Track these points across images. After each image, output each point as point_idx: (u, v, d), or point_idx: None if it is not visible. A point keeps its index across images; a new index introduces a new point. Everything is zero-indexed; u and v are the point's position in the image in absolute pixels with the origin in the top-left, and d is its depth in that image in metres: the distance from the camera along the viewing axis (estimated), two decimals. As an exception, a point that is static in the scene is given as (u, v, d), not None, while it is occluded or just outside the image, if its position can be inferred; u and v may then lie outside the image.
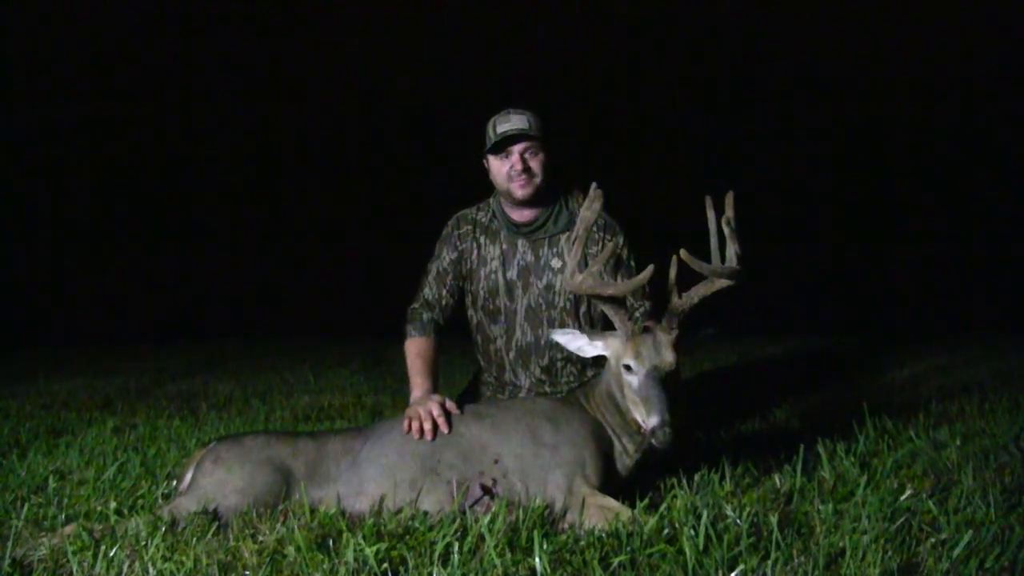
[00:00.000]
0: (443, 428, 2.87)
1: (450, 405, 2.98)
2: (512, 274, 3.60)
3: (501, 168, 3.54)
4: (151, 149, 15.58)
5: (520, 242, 3.61)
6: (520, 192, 3.50)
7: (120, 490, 3.10)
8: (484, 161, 3.66)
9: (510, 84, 13.78)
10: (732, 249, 2.72)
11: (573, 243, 2.84)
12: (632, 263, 3.54)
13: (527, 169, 3.49)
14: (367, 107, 15.70)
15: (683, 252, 2.62)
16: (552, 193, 3.60)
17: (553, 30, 14.77)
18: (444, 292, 3.67)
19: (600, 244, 3.53)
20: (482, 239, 3.66)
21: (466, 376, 4.29)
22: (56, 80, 14.47)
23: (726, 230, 2.71)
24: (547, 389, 3.61)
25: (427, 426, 2.87)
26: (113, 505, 2.79)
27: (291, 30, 15.09)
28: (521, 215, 3.61)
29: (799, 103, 14.70)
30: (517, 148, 3.51)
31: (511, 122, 3.51)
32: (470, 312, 3.74)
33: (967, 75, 13.91)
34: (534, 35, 14.65)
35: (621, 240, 3.58)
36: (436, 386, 3.35)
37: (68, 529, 2.47)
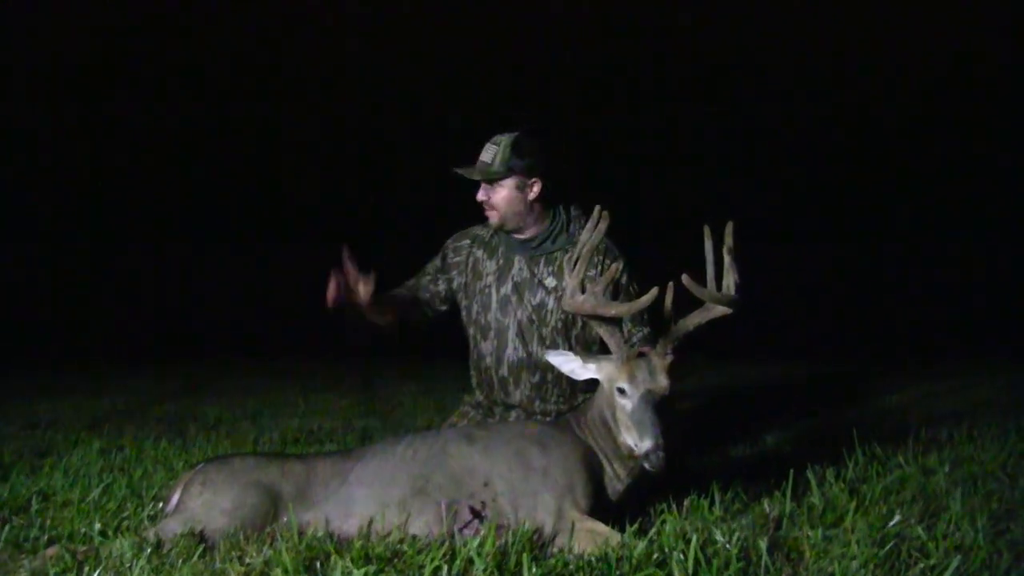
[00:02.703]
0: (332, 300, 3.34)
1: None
2: (506, 289, 3.64)
3: (479, 195, 3.66)
4: (141, 171, 15.55)
5: (517, 258, 3.66)
6: (489, 221, 3.62)
7: (105, 511, 3.06)
8: None
9: (511, 96, 13.81)
10: (731, 277, 2.73)
11: (575, 264, 2.85)
12: (632, 289, 3.57)
13: (488, 199, 3.59)
14: (356, 128, 15.72)
15: (685, 277, 2.63)
16: (550, 213, 3.66)
17: (552, 43, 14.81)
18: (422, 283, 3.84)
19: (599, 268, 3.56)
20: (479, 253, 3.74)
21: (459, 396, 4.28)
22: (44, 89, 14.43)
23: (727, 258, 2.72)
24: (537, 407, 3.61)
25: (331, 296, 3.33)
26: (98, 527, 2.76)
27: (287, 35, 15.10)
28: (519, 233, 3.67)
29: (791, 124, 14.78)
30: (481, 182, 3.61)
31: (483, 153, 3.62)
32: (464, 325, 3.79)
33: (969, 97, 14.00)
34: (533, 49, 14.68)
35: (621, 264, 3.60)
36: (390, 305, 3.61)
37: (51, 551, 2.44)
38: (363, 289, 3.41)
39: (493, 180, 3.57)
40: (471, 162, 3.65)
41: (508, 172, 3.56)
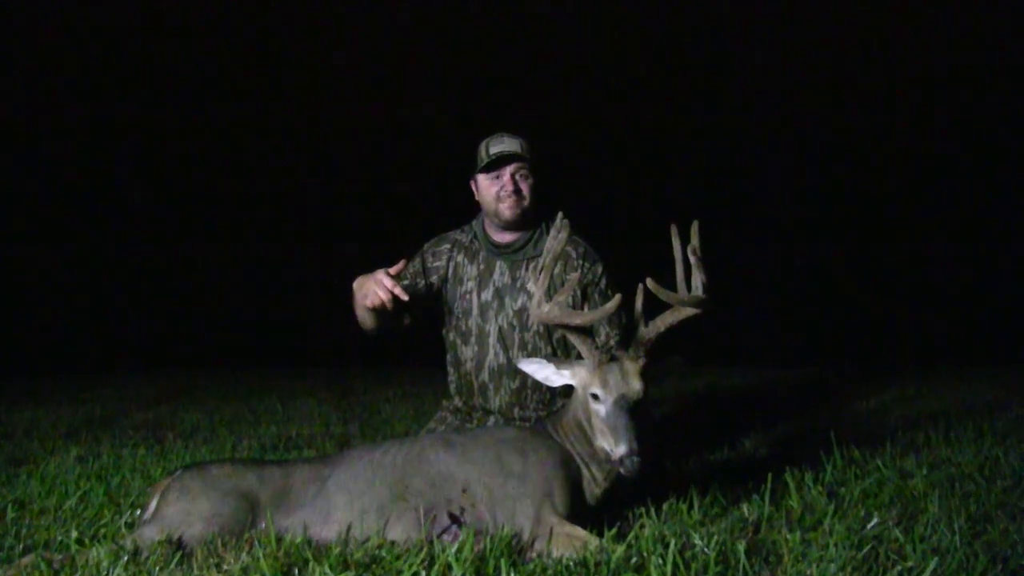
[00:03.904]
0: (402, 296, 3.20)
1: (391, 280, 3.24)
2: (487, 295, 3.63)
3: (491, 188, 3.61)
4: (121, 177, 15.43)
5: (499, 263, 3.65)
6: (508, 213, 3.57)
7: (82, 519, 3.04)
8: (472, 182, 3.72)
9: (491, 109, 13.79)
10: (698, 278, 2.74)
11: (540, 273, 2.85)
12: (610, 293, 3.57)
13: (517, 190, 3.56)
14: (336, 150, 15.66)
15: (650, 281, 2.64)
16: (535, 217, 3.65)
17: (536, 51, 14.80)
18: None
19: (580, 271, 3.57)
20: (460, 258, 3.71)
21: (437, 401, 4.28)
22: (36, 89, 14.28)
23: (692, 259, 2.73)
24: (516, 412, 3.61)
25: (385, 297, 3.20)
26: (74, 535, 2.74)
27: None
28: (503, 237, 3.66)
29: (775, 135, 14.82)
30: (509, 168, 3.58)
31: (504, 144, 3.59)
32: (444, 330, 3.77)
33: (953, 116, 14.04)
34: (519, 57, 14.66)
35: (600, 269, 3.62)
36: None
37: (26, 560, 2.41)
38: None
39: (530, 164, 3.59)
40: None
41: (537, 164, 3.59)
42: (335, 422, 6.03)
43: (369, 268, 3.38)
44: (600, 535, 2.53)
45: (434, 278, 3.75)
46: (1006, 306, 12.57)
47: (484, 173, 3.65)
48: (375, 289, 3.25)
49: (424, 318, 3.82)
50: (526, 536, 2.59)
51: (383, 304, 3.26)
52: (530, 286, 3.54)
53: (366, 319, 3.56)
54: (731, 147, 15.00)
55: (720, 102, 14.99)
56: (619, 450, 2.56)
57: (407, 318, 3.75)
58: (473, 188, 3.76)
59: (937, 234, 14.02)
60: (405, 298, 3.25)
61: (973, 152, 14.05)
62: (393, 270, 3.31)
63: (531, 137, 3.67)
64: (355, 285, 3.40)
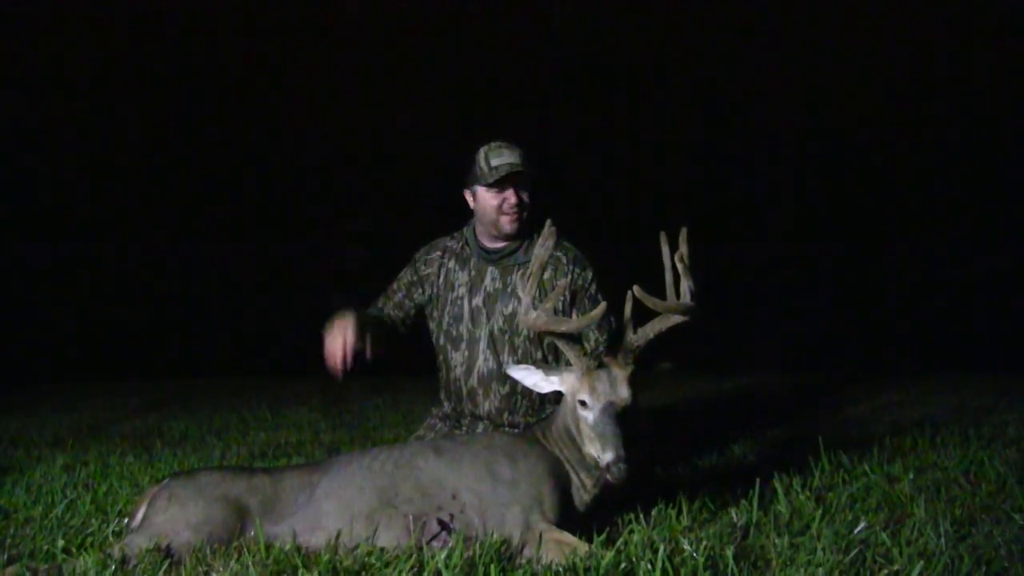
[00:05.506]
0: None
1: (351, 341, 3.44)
2: (478, 300, 3.64)
3: (492, 200, 3.59)
4: (107, 188, 15.34)
5: (490, 269, 3.66)
6: (509, 226, 3.58)
7: (68, 528, 3.02)
8: (467, 192, 3.70)
9: (483, 110, 13.74)
10: (686, 285, 2.75)
11: (527, 280, 2.86)
12: (600, 298, 3.58)
13: (520, 203, 3.56)
14: (330, 157, 15.61)
15: (636, 288, 2.65)
16: (527, 223, 3.66)
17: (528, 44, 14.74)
18: (390, 305, 3.78)
19: (570, 277, 3.58)
20: (451, 264, 3.72)
21: (426, 408, 4.27)
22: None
23: (679, 266, 2.74)
24: (506, 418, 3.61)
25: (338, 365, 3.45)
26: (61, 544, 2.72)
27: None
28: (495, 243, 3.67)
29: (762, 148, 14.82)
30: (513, 184, 3.57)
31: (505, 156, 3.57)
32: (434, 336, 3.77)
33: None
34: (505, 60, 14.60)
35: (590, 275, 3.63)
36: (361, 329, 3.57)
37: (11, 570, 2.40)
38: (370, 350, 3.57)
39: (530, 180, 3.61)
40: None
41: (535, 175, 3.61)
42: (324, 429, 6.02)
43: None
44: (589, 541, 2.54)
45: (425, 285, 3.77)
46: (993, 313, 12.63)
47: (486, 187, 3.62)
48: (333, 350, 3.55)
49: (410, 331, 3.86)
50: (515, 542, 2.59)
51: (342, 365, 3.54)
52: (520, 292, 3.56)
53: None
54: (724, 150, 14.99)
55: (714, 103, 14.97)
56: (606, 457, 2.57)
57: (401, 328, 3.81)
58: (468, 197, 3.73)
59: (927, 241, 14.04)
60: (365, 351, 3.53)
61: (972, 154, 14.05)
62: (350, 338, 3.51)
63: (524, 142, 3.67)
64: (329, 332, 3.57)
